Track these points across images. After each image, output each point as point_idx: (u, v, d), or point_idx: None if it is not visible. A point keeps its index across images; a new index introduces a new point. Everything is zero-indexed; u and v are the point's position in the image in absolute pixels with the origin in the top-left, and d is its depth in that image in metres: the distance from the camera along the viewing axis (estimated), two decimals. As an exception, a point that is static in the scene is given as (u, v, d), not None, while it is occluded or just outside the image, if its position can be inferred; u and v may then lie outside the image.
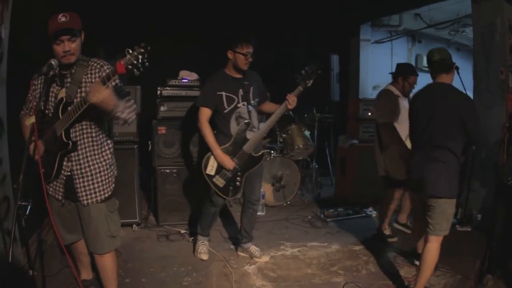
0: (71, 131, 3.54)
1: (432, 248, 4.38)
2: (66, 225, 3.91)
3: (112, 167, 3.86)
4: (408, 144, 5.45)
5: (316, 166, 8.88)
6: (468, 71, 7.12)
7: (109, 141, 3.84)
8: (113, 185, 3.86)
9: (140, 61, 2.96)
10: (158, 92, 6.52)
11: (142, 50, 2.97)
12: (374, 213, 7.49)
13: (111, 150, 3.87)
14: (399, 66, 6.18)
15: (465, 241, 5.94)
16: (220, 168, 5.02)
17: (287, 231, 6.75)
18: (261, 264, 5.46)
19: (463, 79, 5.21)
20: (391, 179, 5.86)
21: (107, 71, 3.28)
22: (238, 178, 5.10)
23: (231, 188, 5.09)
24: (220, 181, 5.04)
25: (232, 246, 5.99)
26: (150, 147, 6.65)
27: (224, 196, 5.11)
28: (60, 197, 3.73)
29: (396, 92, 5.99)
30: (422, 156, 4.48)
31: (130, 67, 2.98)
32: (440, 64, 4.51)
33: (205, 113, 5.00)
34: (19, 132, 3.83)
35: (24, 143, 3.16)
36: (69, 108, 3.40)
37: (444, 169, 4.31)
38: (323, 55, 9.70)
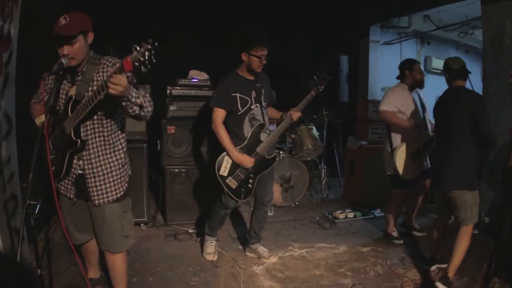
0: (82, 130, 3.51)
1: (463, 235, 4.75)
2: (78, 224, 3.92)
3: (125, 167, 3.84)
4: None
5: (325, 167, 8.86)
6: (477, 73, 7.11)
7: (122, 140, 3.81)
8: (126, 184, 3.84)
9: (147, 58, 2.88)
10: (168, 92, 6.54)
11: (149, 47, 2.88)
12: (382, 215, 7.46)
13: (124, 149, 3.84)
14: (402, 63, 6.25)
15: (472, 244, 5.90)
16: (233, 169, 5.02)
17: (295, 232, 6.75)
18: (269, 265, 5.45)
19: (472, 81, 5.21)
20: (400, 179, 5.86)
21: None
22: (250, 180, 5.10)
23: (243, 190, 5.08)
24: (233, 183, 5.04)
25: (240, 247, 5.99)
26: (159, 147, 6.66)
27: (236, 198, 5.10)
28: (71, 196, 3.72)
29: (405, 87, 6.04)
30: (440, 154, 4.88)
31: (137, 64, 2.89)
32: (459, 72, 4.91)
33: (220, 114, 4.97)
34: (27, 130, 3.83)
35: (33, 141, 3.15)
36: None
37: (460, 165, 4.70)
38: (333, 56, 9.71)
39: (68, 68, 3.42)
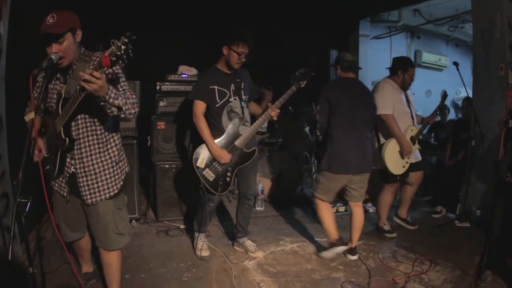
0: (73, 128, 3.48)
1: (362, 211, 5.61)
2: (70, 222, 3.90)
3: (120, 164, 3.78)
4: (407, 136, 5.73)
5: (315, 161, 8.87)
6: (466, 67, 7.13)
7: (115, 138, 3.76)
8: (121, 182, 3.79)
9: (123, 51, 2.81)
10: (157, 87, 6.50)
11: (126, 40, 2.81)
12: (373, 209, 7.48)
13: (118, 146, 3.79)
14: (397, 59, 6.16)
15: (464, 237, 5.95)
16: (210, 161, 5.05)
17: (286, 227, 6.75)
18: (261, 260, 5.46)
19: (462, 75, 5.21)
20: (388, 173, 5.87)
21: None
22: (228, 173, 5.11)
23: (220, 183, 5.10)
24: (210, 175, 5.06)
25: (231, 242, 5.99)
26: (149, 143, 6.64)
27: (213, 191, 5.10)
28: (65, 194, 3.70)
29: (395, 85, 5.98)
30: (356, 141, 5.23)
31: (114, 58, 2.84)
32: (352, 64, 5.39)
33: (200, 106, 5.01)
34: (18, 128, 3.81)
35: (23, 139, 3.12)
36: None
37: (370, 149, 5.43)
38: (323, 50, 9.71)
39: (60, 68, 3.40)
